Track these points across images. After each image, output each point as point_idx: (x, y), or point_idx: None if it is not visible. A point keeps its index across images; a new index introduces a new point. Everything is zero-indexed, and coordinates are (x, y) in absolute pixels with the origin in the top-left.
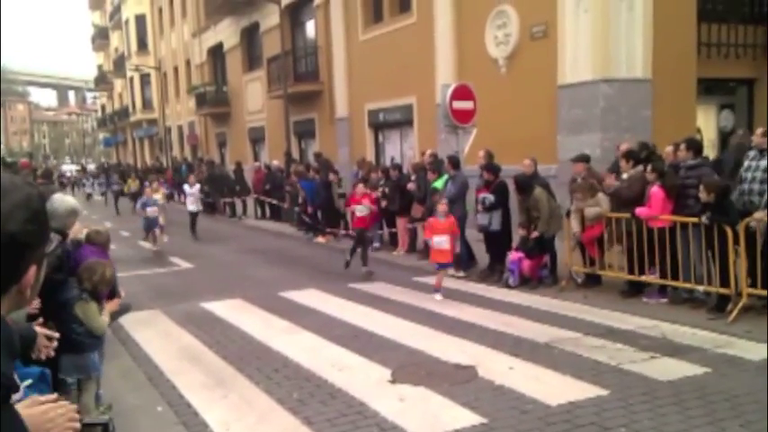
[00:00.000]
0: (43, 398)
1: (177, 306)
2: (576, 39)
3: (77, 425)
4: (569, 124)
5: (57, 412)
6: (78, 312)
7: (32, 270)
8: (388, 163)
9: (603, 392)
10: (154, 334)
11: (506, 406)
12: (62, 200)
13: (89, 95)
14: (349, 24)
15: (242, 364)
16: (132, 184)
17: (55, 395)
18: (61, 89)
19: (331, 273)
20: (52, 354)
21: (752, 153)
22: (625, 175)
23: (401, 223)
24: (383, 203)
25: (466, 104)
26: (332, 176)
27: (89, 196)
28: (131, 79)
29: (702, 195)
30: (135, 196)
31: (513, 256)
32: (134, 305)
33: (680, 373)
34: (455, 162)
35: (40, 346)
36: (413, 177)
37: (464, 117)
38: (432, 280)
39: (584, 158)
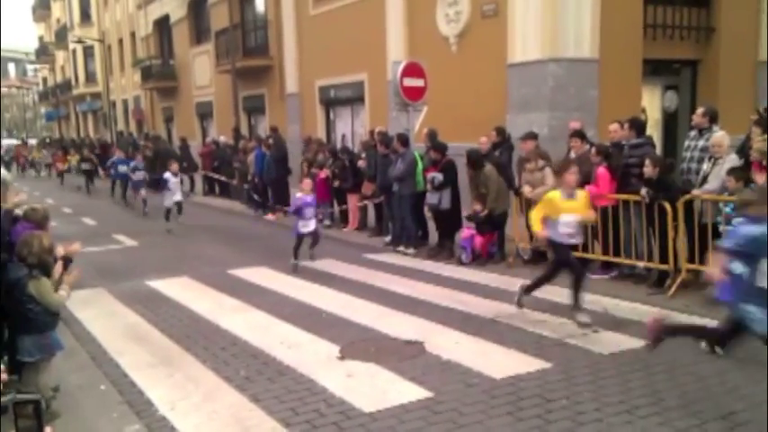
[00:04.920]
0: None
1: (122, 284)
2: (525, 18)
3: None
4: (519, 103)
5: None
6: (32, 291)
7: None
8: (338, 140)
9: (547, 365)
10: (98, 313)
11: (453, 380)
12: None
13: (30, 68)
14: None
15: (189, 343)
16: None
17: None
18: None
19: (281, 251)
20: None
21: (692, 133)
22: (573, 154)
23: (352, 200)
24: (335, 183)
25: (416, 82)
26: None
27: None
28: (74, 51)
29: (647, 170)
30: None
31: (464, 233)
32: (77, 283)
33: (621, 346)
34: (404, 140)
35: None
36: (363, 155)
37: (415, 94)
38: (382, 257)
39: (533, 136)
